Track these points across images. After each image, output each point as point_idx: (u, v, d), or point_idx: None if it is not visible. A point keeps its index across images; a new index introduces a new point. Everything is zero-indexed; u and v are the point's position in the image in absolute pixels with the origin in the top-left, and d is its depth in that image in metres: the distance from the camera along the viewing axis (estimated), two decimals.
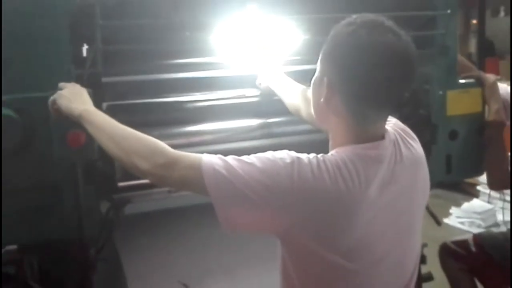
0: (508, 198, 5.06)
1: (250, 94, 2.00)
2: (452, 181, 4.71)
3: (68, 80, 1.59)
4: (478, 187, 5.38)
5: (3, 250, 2.33)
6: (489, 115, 2.30)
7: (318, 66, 1.33)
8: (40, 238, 1.70)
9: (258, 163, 1.21)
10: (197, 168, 1.23)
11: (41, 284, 1.93)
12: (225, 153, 1.81)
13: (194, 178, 1.23)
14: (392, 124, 1.39)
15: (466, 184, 5.50)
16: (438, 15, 2.12)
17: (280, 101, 1.86)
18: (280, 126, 1.97)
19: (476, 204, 5.29)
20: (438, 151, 2.19)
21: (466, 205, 5.29)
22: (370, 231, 1.24)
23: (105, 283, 2.04)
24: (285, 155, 1.23)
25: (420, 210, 1.39)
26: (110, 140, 1.38)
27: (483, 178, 5.04)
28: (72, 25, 1.64)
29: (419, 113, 2.14)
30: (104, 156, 1.68)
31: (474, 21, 9.06)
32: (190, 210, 1.86)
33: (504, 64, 8.41)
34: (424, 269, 2.58)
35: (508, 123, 2.41)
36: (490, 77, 2.33)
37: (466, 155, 2.28)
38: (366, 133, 1.28)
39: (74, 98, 1.50)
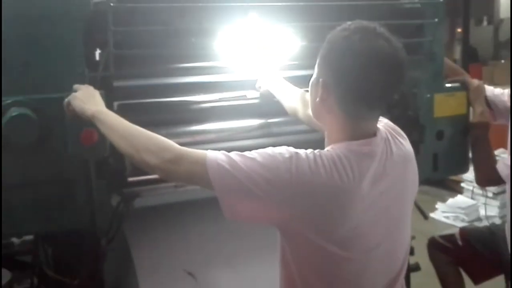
0: (490, 194, 5.08)
1: (250, 95, 2.00)
2: (438, 178, 4.72)
3: (82, 82, 1.59)
4: (462, 184, 5.39)
5: (19, 240, 2.34)
6: (474, 117, 2.31)
7: (315, 69, 1.34)
8: (55, 229, 1.70)
9: (259, 158, 1.22)
10: (202, 163, 1.23)
11: (55, 271, 1.92)
12: (228, 150, 1.82)
13: (200, 173, 1.24)
14: (384, 123, 1.40)
15: (451, 181, 5.51)
16: (426, 24, 2.12)
17: (278, 103, 1.86)
18: (279, 126, 1.97)
19: (460, 199, 5.30)
20: (425, 150, 2.20)
21: (451, 200, 5.30)
22: (363, 222, 1.25)
23: (115, 271, 2.04)
24: (284, 150, 1.24)
25: (409, 203, 1.40)
26: (121, 138, 1.38)
27: (467, 175, 5.09)
28: (86, 30, 1.64)
29: (408, 114, 2.14)
30: (115, 153, 1.68)
31: (459, 30, 9.06)
32: (195, 203, 1.86)
33: (486, 70, 8.41)
34: (412, 260, 2.58)
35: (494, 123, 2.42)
36: (474, 81, 2.34)
37: (451, 154, 2.28)
38: (359, 130, 1.29)
39: (87, 99, 1.49)
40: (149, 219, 1.91)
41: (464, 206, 5.14)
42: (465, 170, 2.45)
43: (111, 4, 1.59)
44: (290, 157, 1.21)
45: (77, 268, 1.87)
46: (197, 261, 1.88)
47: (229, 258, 1.90)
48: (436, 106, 2.21)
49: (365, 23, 1.27)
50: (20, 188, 1.60)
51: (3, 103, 1.53)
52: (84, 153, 1.60)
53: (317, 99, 1.31)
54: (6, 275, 2.05)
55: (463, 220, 4.98)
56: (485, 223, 4.10)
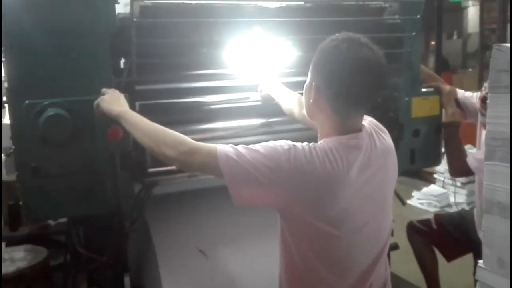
0: (459, 184, 5.09)
1: (253, 97, 1.99)
2: (415, 170, 4.71)
3: (109, 86, 1.59)
4: (435, 175, 5.39)
5: (55, 222, 2.35)
6: (446, 117, 2.31)
7: (309, 74, 1.35)
8: (86, 213, 1.71)
9: (262, 150, 1.23)
10: (213, 155, 1.24)
11: (86, 249, 1.93)
12: (235, 145, 1.82)
13: (211, 163, 1.24)
14: (368, 121, 1.41)
15: (425, 173, 5.50)
16: (405, 37, 2.11)
17: (277, 105, 1.86)
18: (278, 125, 1.97)
19: (433, 188, 5.30)
20: (404, 146, 2.19)
21: (425, 189, 5.30)
22: (351, 205, 1.26)
23: (137, 249, 2.05)
24: (283, 143, 1.24)
25: (391, 189, 1.40)
26: (143, 134, 1.38)
27: (439, 168, 5.10)
28: (112, 42, 1.64)
29: (389, 115, 2.13)
30: (137, 148, 1.68)
31: (433, 42, 9.03)
32: (206, 191, 1.86)
33: (456, 77, 8.40)
34: (392, 240, 2.58)
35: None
36: (446, 87, 2.34)
37: (426, 149, 2.29)
38: (347, 127, 1.29)
39: (114, 101, 1.50)
40: (166, 204, 1.91)
41: (436, 194, 5.14)
42: (438, 163, 2.45)
43: (134, 20, 1.59)
44: (289, 149, 1.22)
45: (104, 247, 1.87)
46: (208, 240, 1.88)
47: (235, 238, 1.90)
48: (413, 108, 2.21)
49: (351, 34, 1.28)
50: (56, 178, 1.61)
51: (41, 104, 1.54)
52: (110, 147, 1.60)
53: (311, 101, 1.31)
54: (43, 252, 2.05)
55: (435, 206, 4.99)
56: (454, 208, 4.12)
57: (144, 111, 1.68)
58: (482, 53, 8.09)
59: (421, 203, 5.14)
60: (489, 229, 1.41)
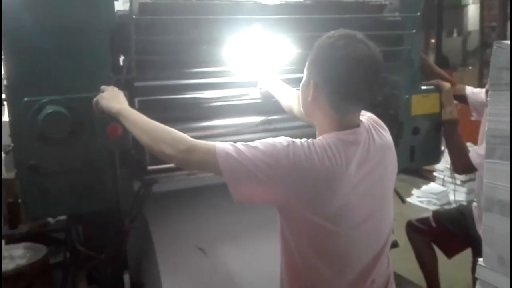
0: (459, 182, 5.08)
1: (252, 94, 1.99)
2: (414, 168, 4.71)
3: (108, 84, 1.59)
4: (435, 173, 5.39)
5: (54, 220, 2.34)
6: (444, 115, 2.30)
7: (305, 72, 1.35)
8: (85, 210, 1.70)
9: (261, 147, 1.22)
10: (212, 152, 1.23)
11: (85, 247, 1.93)
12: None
13: (210, 161, 1.23)
14: (367, 116, 1.40)
15: (425, 171, 5.50)
16: (405, 34, 2.10)
17: (277, 102, 1.86)
18: (278, 122, 1.96)
19: (432, 186, 5.30)
20: (403, 143, 2.19)
21: (424, 187, 5.29)
22: (350, 200, 1.25)
23: (137, 247, 2.05)
24: (282, 140, 1.24)
25: (390, 185, 1.40)
26: (142, 132, 1.37)
27: (439, 166, 5.10)
28: (112, 39, 1.64)
29: (389, 113, 2.13)
30: (137, 145, 1.68)
31: (433, 40, 9.03)
32: (205, 189, 1.86)
33: (456, 75, 8.36)
34: (391, 238, 2.59)
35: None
36: (446, 85, 2.33)
37: (426, 147, 2.29)
38: (345, 122, 1.29)
39: (113, 98, 1.49)
40: (166, 202, 1.91)
41: (436, 192, 5.14)
42: (437, 161, 2.45)
43: (133, 17, 1.58)
44: (288, 145, 1.22)
45: (103, 244, 1.87)
46: (207, 238, 1.88)
47: (235, 236, 1.90)
48: (413, 106, 2.21)
49: (347, 31, 1.28)
50: (55, 175, 1.60)
51: (40, 102, 1.53)
52: (110, 145, 1.60)
53: (309, 98, 1.31)
54: (43, 249, 2.05)
55: (435, 204, 4.98)
56: (454, 206, 4.11)
57: (143, 107, 1.69)
58: (482, 51, 8.09)
59: (421, 201, 5.14)
60: (489, 227, 1.40)
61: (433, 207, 4.74)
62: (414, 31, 2.08)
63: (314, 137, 1.34)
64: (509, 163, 1.33)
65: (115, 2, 1.64)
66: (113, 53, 1.66)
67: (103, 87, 1.55)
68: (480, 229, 2.39)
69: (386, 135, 1.39)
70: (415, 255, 2.70)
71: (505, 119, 1.33)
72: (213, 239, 1.88)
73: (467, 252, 2.63)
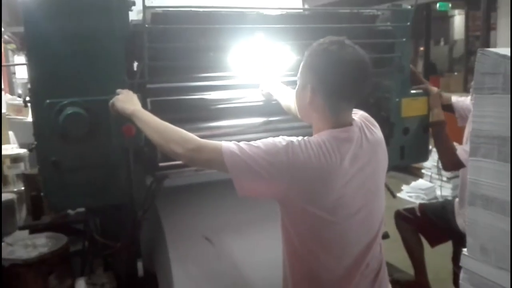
0: (445, 178, 5.07)
1: (255, 96, 1.99)
2: (404, 165, 4.70)
3: (123, 87, 1.59)
4: (423, 170, 5.39)
5: (74, 212, 2.35)
6: (432, 117, 2.30)
7: (299, 79, 1.35)
8: (102, 203, 1.70)
9: (263, 146, 1.23)
10: (218, 151, 1.23)
11: (102, 237, 1.93)
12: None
13: (217, 159, 1.24)
14: (359, 115, 1.40)
15: (414, 168, 5.49)
16: (396, 42, 2.10)
17: (278, 105, 1.85)
18: (278, 123, 1.96)
19: (421, 182, 5.30)
20: (394, 143, 2.18)
21: (413, 183, 5.29)
22: (345, 193, 1.25)
23: (149, 237, 2.05)
24: (281, 139, 1.24)
25: (382, 178, 1.39)
26: (154, 131, 1.37)
27: (426, 163, 5.08)
28: (126, 46, 1.64)
29: (381, 114, 2.13)
30: (149, 144, 1.67)
31: (422, 48, 9.02)
32: (212, 184, 1.86)
33: (443, 80, 8.39)
34: (382, 230, 2.58)
35: None
36: (434, 89, 2.33)
37: (414, 146, 2.27)
38: (339, 121, 1.29)
39: (127, 101, 1.50)
40: (176, 195, 1.91)
41: (424, 188, 5.14)
42: (426, 159, 2.44)
43: (146, 26, 1.58)
44: (287, 144, 1.22)
45: (119, 234, 1.87)
46: (214, 228, 1.88)
47: (239, 226, 1.90)
48: (403, 108, 2.19)
49: (335, 38, 1.29)
50: (75, 171, 1.60)
51: (61, 104, 1.53)
52: (125, 143, 1.60)
53: (307, 102, 1.31)
54: (63, 238, 2.05)
55: (423, 199, 4.98)
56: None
57: (155, 107, 1.69)
58: (467, 58, 8.08)
59: (410, 196, 5.13)
60: (473, 220, 1.40)
61: (421, 202, 4.72)
62: (404, 39, 2.07)
63: (311, 136, 1.34)
64: (492, 160, 1.33)
65: (130, 12, 1.64)
66: (127, 59, 1.66)
67: (118, 90, 1.55)
68: (459, 222, 2.41)
69: (377, 132, 1.39)
70: (403, 241, 2.70)
71: (488, 120, 1.33)
72: (219, 229, 1.88)
73: (451, 244, 2.62)
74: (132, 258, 1.99)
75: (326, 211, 1.24)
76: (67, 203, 1.68)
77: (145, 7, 1.53)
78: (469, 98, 2.45)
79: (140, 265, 2.13)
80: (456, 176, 4.91)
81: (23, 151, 3.32)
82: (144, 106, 1.61)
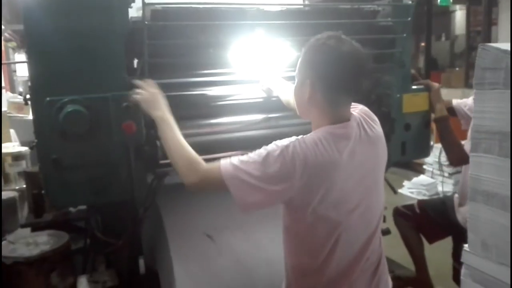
0: (446, 174, 5.07)
1: (255, 92, 1.98)
2: (405, 161, 4.70)
3: (123, 85, 1.59)
4: (424, 166, 5.38)
5: (75, 209, 2.35)
6: (435, 114, 2.29)
7: (297, 75, 1.35)
8: (103, 200, 1.70)
9: (257, 158, 1.24)
10: (220, 178, 1.26)
11: (103, 234, 1.93)
12: (238, 139, 1.81)
13: (219, 185, 1.26)
14: (359, 109, 1.40)
15: (415, 164, 5.49)
16: (397, 38, 2.09)
17: (278, 102, 1.85)
18: (279, 120, 1.95)
19: (422, 178, 5.29)
20: (395, 139, 2.18)
21: (415, 179, 5.28)
22: (345, 187, 1.26)
23: (150, 234, 2.05)
24: (275, 147, 1.24)
25: (381, 174, 1.40)
26: (167, 147, 1.41)
27: (428, 159, 5.09)
28: (126, 43, 1.63)
29: (382, 110, 2.12)
30: (150, 141, 1.68)
31: (423, 44, 8.98)
32: None
33: (444, 76, 8.36)
34: (384, 226, 2.58)
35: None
36: (435, 84, 2.32)
37: (416, 142, 2.27)
38: (338, 116, 1.29)
39: (153, 104, 1.50)
40: (177, 193, 1.90)
41: (425, 184, 5.13)
42: (427, 154, 2.44)
43: (146, 23, 1.58)
44: (281, 151, 1.22)
45: (120, 232, 1.88)
46: (215, 226, 1.88)
47: (241, 224, 1.90)
48: (404, 104, 2.19)
49: (331, 33, 1.29)
50: (75, 169, 1.60)
51: (61, 101, 1.53)
52: (125, 140, 1.60)
53: (306, 97, 1.31)
54: (65, 236, 2.06)
55: (424, 195, 4.96)
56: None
57: None
58: (468, 53, 8.05)
59: (411, 192, 5.13)
60: (474, 215, 1.40)
61: (422, 198, 4.72)
62: (405, 35, 2.06)
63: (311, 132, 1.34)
64: (492, 156, 1.32)
65: (129, 10, 1.63)
66: (127, 56, 1.66)
67: (138, 82, 1.54)
68: (460, 217, 2.41)
69: (377, 127, 1.39)
70: (402, 239, 2.69)
71: (489, 115, 1.33)
72: (220, 226, 1.88)
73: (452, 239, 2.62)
74: (134, 256, 1.99)
75: (327, 208, 1.24)
76: (68, 200, 1.68)
77: (144, 4, 1.53)
78: (471, 98, 2.43)
79: (141, 262, 2.13)
80: (458, 172, 4.92)
81: (24, 149, 3.32)
82: None
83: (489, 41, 6.00)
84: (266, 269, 1.77)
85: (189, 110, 1.87)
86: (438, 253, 2.85)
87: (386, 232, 2.59)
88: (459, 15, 10.61)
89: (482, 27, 6.77)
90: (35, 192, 2.40)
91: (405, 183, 5.25)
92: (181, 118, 1.66)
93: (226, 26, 1.74)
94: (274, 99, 1.90)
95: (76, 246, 2.19)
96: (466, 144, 2.30)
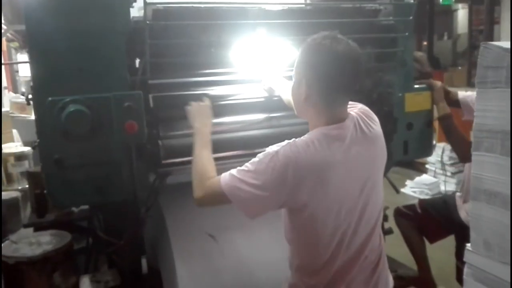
0: (449, 173, 5.06)
1: (257, 92, 1.98)
2: (408, 160, 4.69)
3: (125, 85, 1.61)
4: (427, 165, 5.37)
5: (78, 209, 2.36)
6: (439, 112, 2.28)
7: (294, 76, 1.35)
8: (105, 200, 1.70)
9: (251, 167, 1.26)
10: (220, 191, 1.29)
11: (106, 233, 1.93)
12: (240, 139, 1.81)
13: (221, 198, 1.30)
14: (358, 108, 1.40)
15: (417, 163, 5.48)
16: (398, 37, 2.08)
17: (279, 101, 1.84)
18: (280, 119, 1.95)
19: (425, 178, 5.28)
20: (398, 138, 2.17)
21: (417, 178, 5.27)
22: (342, 187, 1.26)
23: (152, 234, 2.05)
24: (267, 154, 1.26)
25: (380, 173, 1.39)
26: (193, 162, 1.48)
27: (430, 158, 5.07)
28: (128, 43, 1.63)
29: (384, 109, 2.12)
30: (152, 140, 1.68)
31: (425, 43, 8.97)
32: None
33: (447, 75, 8.33)
34: (386, 225, 2.58)
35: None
36: (437, 83, 2.31)
37: (418, 141, 2.26)
38: (334, 116, 1.30)
39: (196, 116, 1.62)
40: (179, 192, 1.90)
41: (428, 183, 5.12)
42: (429, 154, 2.43)
43: (148, 22, 1.58)
44: (271, 157, 1.24)
45: (122, 231, 1.88)
46: (217, 226, 1.88)
47: (243, 224, 1.89)
48: (406, 103, 2.18)
49: (327, 32, 1.30)
50: (78, 168, 1.60)
51: (63, 101, 1.53)
52: (127, 140, 1.60)
53: (302, 97, 1.31)
54: (68, 236, 2.06)
55: (427, 194, 4.96)
56: None
57: (157, 104, 1.67)
58: (471, 52, 8.03)
59: (414, 191, 5.11)
60: (476, 214, 1.39)
61: (425, 197, 4.72)
62: (406, 34, 2.06)
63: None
64: (495, 155, 1.32)
65: (131, 9, 1.63)
66: (129, 55, 1.66)
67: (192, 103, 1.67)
68: (463, 215, 2.40)
69: (375, 126, 1.38)
70: (404, 238, 2.68)
71: (491, 114, 1.32)
72: (222, 226, 1.88)
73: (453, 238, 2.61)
74: (136, 255, 2.00)
75: (325, 209, 1.25)
76: (70, 200, 1.69)
77: (146, 4, 1.53)
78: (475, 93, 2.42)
79: (144, 262, 2.14)
80: (460, 171, 4.91)
81: (27, 149, 3.33)
82: (146, 102, 1.61)
83: (491, 40, 5.98)
84: (268, 269, 1.77)
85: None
86: (440, 252, 2.85)
87: (388, 231, 2.59)
88: (461, 14, 10.58)
89: (484, 26, 6.75)
90: (37, 192, 2.41)
91: (408, 182, 5.24)
92: (182, 118, 1.66)
93: (227, 25, 1.74)
94: (275, 98, 1.90)
95: (79, 246, 2.20)
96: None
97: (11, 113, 4.30)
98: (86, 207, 2.14)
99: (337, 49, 1.24)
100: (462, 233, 2.24)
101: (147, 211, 1.80)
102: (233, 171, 1.29)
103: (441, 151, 5.09)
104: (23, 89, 8.14)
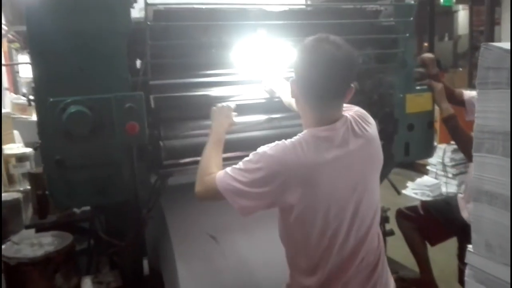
0: (450, 175, 5.05)
1: (257, 93, 1.98)
2: (409, 162, 4.68)
3: (126, 85, 1.60)
4: (428, 167, 5.36)
5: (79, 210, 2.36)
6: (442, 114, 2.27)
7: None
8: (106, 201, 1.70)
9: (243, 166, 1.29)
10: (215, 188, 1.31)
11: (107, 235, 1.93)
12: (240, 140, 1.81)
13: (216, 194, 1.32)
14: (354, 111, 1.40)
15: (419, 164, 5.47)
16: (399, 38, 2.08)
17: (280, 103, 1.84)
18: (281, 120, 1.95)
19: (426, 179, 5.27)
20: (398, 139, 2.17)
21: (418, 180, 5.26)
22: (333, 189, 1.26)
23: (154, 235, 2.05)
24: (257, 153, 1.28)
25: (374, 174, 1.38)
26: (201, 158, 1.49)
27: (431, 160, 5.06)
28: (129, 44, 1.63)
29: (385, 110, 2.12)
30: (153, 141, 1.68)
31: (426, 44, 8.96)
32: None
33: (448, 76, 8.31)
34: (388, 227, 2.58)
35: None
36: (438, 84, 2.31)
37: (419, 142, 2.26)
38: (322, 119, 1.30)
39: (215, 115, 1.66)
40: (180, 193, 1.91)
41: (429, 185, 5.11)
42: (431, 155, 2.42)
43: (148, 23, 1.58)
44: (261, 156, 1.26)
45: (124, 232, 1.88)
46: (218, 226, 1.88)
47: (244, 225, 1.89)
48: (407, 104, 2.18)
49: (321, 35, 1.28)
50: (79, 169, 1.60)
51: (64, 102, 1.53)
52: (128, 141, 1.60)
53: (294, 99, 1.36)
54: (69, 237, 2.06)
55: (428, 196, 4.94)
56: None
57: (158, 105, 1.67)
58: (472, 53, 8.02)
59: (415, 193, 5.11)
60: (477, 215, 1.39)
61: (426, 199, 4.71)
62: (407, 35, 2.06)
63: None
64: (496, 156, 1.31)
65: (131, 10, 1.63)
66: (130, 56, 1.66)
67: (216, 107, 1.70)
68: (465, 216, 2.39)
69: (369, 128, 1.36)
70: (405, 240, 2.67)
71: (492, 115, 1.32)
72: (224, 227, 1.88)
73: (455, 241, 2.61)
74: (138, 256, 1.99)
75: (314, 210, 1.25)
76: (72, 201, 1.69)
77: (147, 5, 1.53)
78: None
79: (145, 263, 2.14)
80: (462, 173, 4.90)
81: (28, 150, 3.34)
82: (147, 103, 1.61)
83: (492, 41, 5.98)
84: (268, 269, 1.77)
85: (192, 111, 1.87)
86: (442, 254, 2.84)
87: (389, 233, 2.59)
88: (462, 15, 10.58)
89: (485, 27, 6.74)
90: (39, 193, 2.41)
91: (409, 184, 5.24)
92: (183, 119, 1.67)
93: (228, 26, 1.74)
94: (276, 99, 1.90)
95: (81, 247, 2.19)
96: None
97: (12, 114, 4.31)
98: (87, 208, 2.14)
99: (319, 53, 1.24)
100: (464, 234, 2.23)
101: (149, 212, 1.80)
102: (228, 169, 1.32)
103: (442, 153, 5.09)
104: (24, 90, 8.14)
